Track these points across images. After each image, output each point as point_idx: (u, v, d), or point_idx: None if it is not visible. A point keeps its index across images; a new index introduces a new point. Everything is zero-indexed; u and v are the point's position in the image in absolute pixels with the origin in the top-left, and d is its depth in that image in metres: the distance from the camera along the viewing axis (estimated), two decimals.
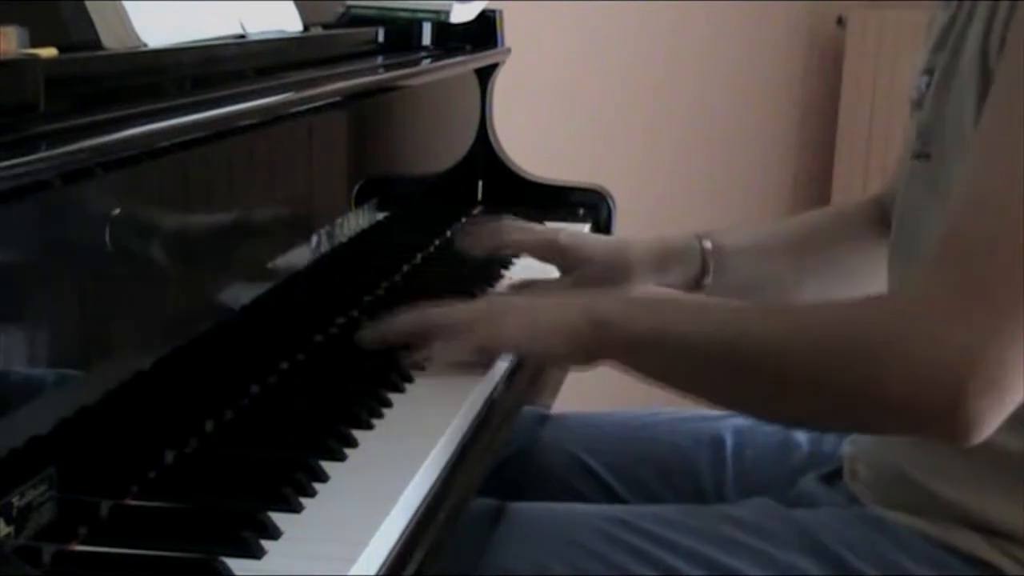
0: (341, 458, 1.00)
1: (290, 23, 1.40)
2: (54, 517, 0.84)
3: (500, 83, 1.90)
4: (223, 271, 1.11)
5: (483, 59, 1.83)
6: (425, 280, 1.50)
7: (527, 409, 1.37)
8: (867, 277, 1.42)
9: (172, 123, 0.99)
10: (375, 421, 1.08)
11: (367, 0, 1.66)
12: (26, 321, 0.84)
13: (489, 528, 1.18)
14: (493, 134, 1.88)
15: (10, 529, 0.79)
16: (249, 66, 1.26)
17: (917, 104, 1.21)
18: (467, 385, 1.17)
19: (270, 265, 1.20)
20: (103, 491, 0.90)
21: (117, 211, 0.92)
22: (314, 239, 1.28)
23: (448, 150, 1.80)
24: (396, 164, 1.59)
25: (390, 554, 0.89)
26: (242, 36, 1.27)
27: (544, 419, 1.46)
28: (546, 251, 1.45)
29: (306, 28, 1.44)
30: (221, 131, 1.07)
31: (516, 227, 1.47)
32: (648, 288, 1.40)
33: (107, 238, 0.91)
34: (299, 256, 1.25)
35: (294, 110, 1.22)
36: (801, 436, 1.39)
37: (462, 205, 1.82)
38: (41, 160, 0.82)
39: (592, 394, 1.79)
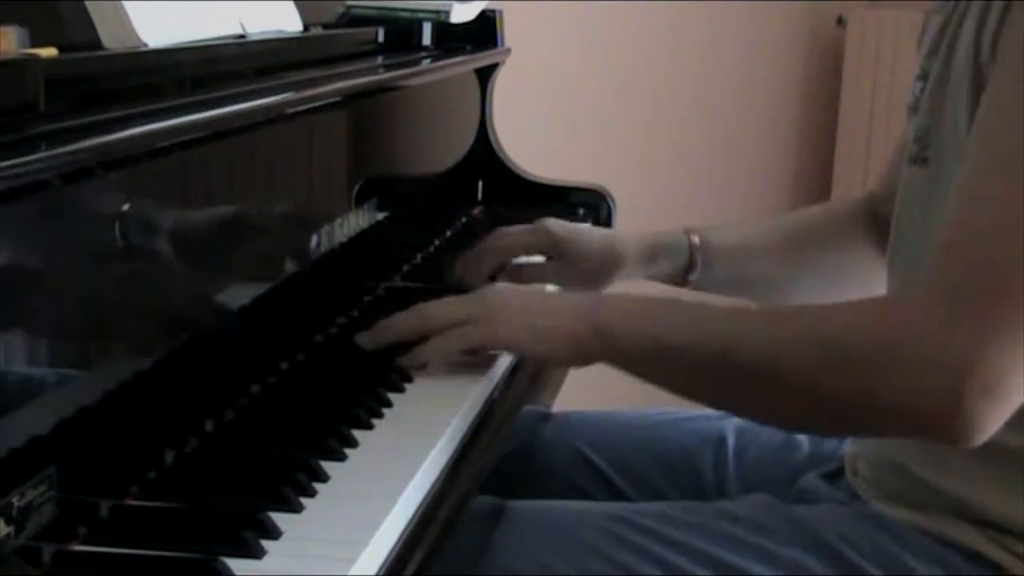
0: (341, 458, 1.00)
1: (290, 23, 1.40)
2: (54, 517, 0.84)
3: (500, 83, 1.89)
4: (223, 271, 1.11)
5: (483, 59, 1.82)
6: (425, 280, 1.50)
7: (528, 407, 1.36)
8: (856, 276, 1.43)
9: (172, 123, 0.99)
10: (375, 421, 1.08)
11: (367, 0, 1.66)
12: (26, 321, 0.83)
13: (490, 527, 1.18)
14: (493, 134, 1.88)
15: (10, 529, 0.79)
16: (249, 66, 1.26)
17: (913, 109, 1.21)
18: (467, 385, 1.17)
19: (270, 265, 1.20)
20: (103, 491, 0.90)
21: (117, 211, 0.92)
22: (314, 239, 1.28)
23: (448, 150, 1.80)
24: (396, 164, 1.59)
25: (390, 554, 0.89)
26: (242, 36, 1.27)
27: (546, 417, 1.46)
28: (540, 243, 1.45)
29: (306, 28, 1.44)
30: (221, 131, 1.07)
31: (503, 234, 1.46)
32: (643, 286, 1.40)
33: (106, 238, 0.91)
34: (299, 256, 1.25)
35: (294, 110, 1.22)
36: (803, 436, 1.39)
37: (462, 205, 1.82)
38: (41, 160, 0.82)
39: (592, 394, 1.79)
